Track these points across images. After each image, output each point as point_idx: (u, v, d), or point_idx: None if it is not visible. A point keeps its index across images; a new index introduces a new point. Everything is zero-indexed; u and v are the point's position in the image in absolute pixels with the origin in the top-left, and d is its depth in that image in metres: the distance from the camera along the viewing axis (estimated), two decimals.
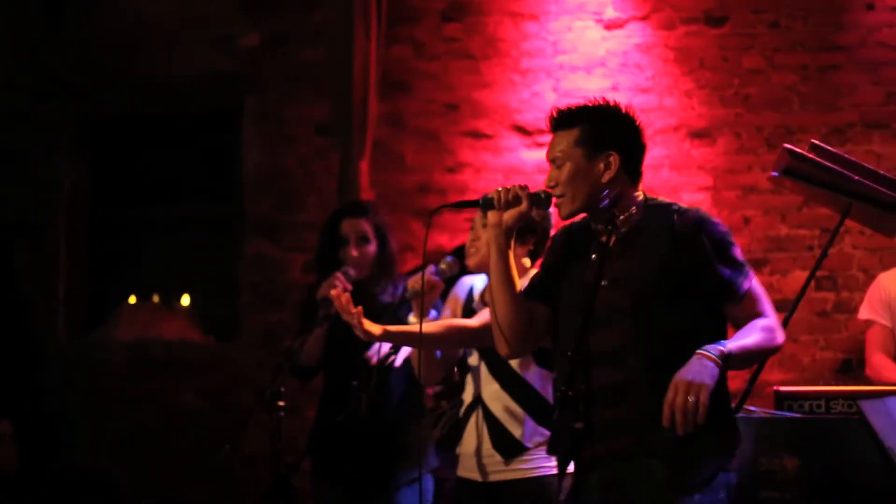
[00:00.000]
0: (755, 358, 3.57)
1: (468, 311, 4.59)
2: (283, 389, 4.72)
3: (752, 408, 4.57)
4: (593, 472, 3.48)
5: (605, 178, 3.55)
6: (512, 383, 4.41)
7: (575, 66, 7.17)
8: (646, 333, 3.45)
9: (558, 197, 3.57)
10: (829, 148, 4.82)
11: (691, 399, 3.26)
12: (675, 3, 7.14)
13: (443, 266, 4.49)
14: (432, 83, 7.29)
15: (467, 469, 4.48)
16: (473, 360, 4.52)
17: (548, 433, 4.31)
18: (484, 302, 4.53)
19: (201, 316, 7.69)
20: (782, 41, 7.08)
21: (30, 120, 7.49)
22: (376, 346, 4.70)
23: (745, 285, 3.52)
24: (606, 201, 3.56)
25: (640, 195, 3.63)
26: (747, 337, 3.45)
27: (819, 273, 6.48)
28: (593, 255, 3.55)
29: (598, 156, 3.54)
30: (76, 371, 7.33)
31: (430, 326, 4.30)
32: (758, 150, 7.02)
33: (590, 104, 3.61)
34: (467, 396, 4.54)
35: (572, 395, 3.24)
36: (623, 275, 3.51)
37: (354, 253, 5.10)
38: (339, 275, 4.97)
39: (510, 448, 4.37)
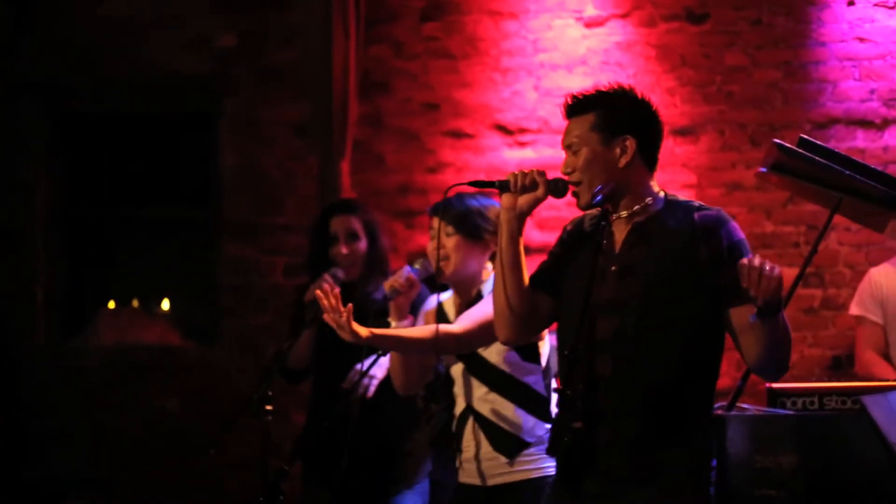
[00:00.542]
0: (783, 336, 3.39)
1: (439, 315, 4.50)
2: (270, 394, 4.65)
3: (745, 405, 4.53)
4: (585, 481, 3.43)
5: (622, 162, 3.49)
6: (501, 384, 4.35)
7: (556, 65, 7.12)
8: (649, 323, 3.40)
9: (575, 185, 3.51)
10: (818, 142, 4.79)
11: (776, 272, 3.17)
12: (656, 0, 7.09)
13: (417, 266, 4.43)
14: (412, 83, 7.23)
15: (468, 475, 4.42)
16: (456, 369, 4.45)
17: (547, 426, 4.29)
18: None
19: (181, 320, 7.62)
20: (764, 38, 7.05)
21: (2, 122, 7.40)
22: (352, 372, 4.64)
23: None
24: (599, 197, 3.50)
25: (657, 188, 3.57)
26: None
27: (807, 270, 6.48)
28: (604, 242, 3.49)
29: (614, 141, 3.49)
30: (55, 377, 7.25)
31: (415, 331, 4.24)
32: (741, 147, 6.99)
33: (605, 89, 3.55)
34: (458, 407, 4.46)
35: (570, 393, 3.17)
36: (635, 262, 3.46)
37: (344, 251, 5.03)
38: (326, 276, 4.91)
39: (512, 446, 4.31)
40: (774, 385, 4.55)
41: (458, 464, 4.47)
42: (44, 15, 7.40)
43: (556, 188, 3.51)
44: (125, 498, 6.95)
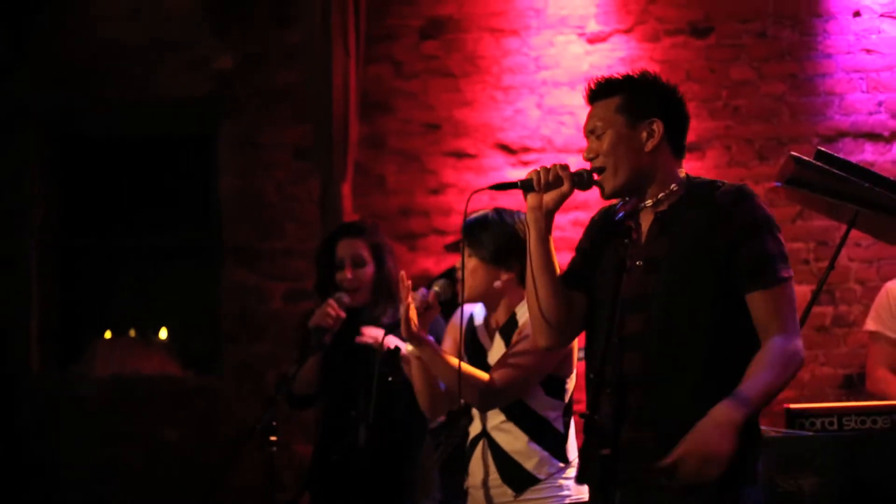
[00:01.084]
0: (775, 394, 3.30)
1: (470, 338, 4.39)
2: (274, 423, 4.54)
3: (763, 427, 4.40)
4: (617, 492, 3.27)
5: (649, 146, 3.33)
6: (519, 414, 4.22)
7: (558, 82, 7.04)
8: (673, 318, 3.26)
9: (599, 172, 3.36)
10: (836, 155, 4.68)
11: (703, 477, 3.12)
12: (660, 14, 7.01)
13: (436, 289, 4.29)
14: (412, 102, 7.14)
15: (475, 501, 4.29)
16: None
17: (560, 464, 4.17)
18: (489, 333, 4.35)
19: (180, 349, 7.51)
20: (770, 50, 6.98)
21: None
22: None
23: (783, 273, 3.26)
24: (621, 213, 3.38)
25: (682, 173, 3.42)
26: (764, 374, 3.21)
27: (815, 287, 6.37)
28: (626, 241, 3.36)
29: (640, 123, 3.34)
30: (52, 408, 7.15)
31: (471, 368, 4.11)
32: (749, 162, 6.91)
33: (631, 73, 3.42)
34: (473, 429, 4.34)
35: (598, 419, 3.03)
36: (658, 256, 3.32)
37: (349, 276, 4.91)
38: (331, 302, 4.78)
39: (522, 481, 4.18)
40: (793, 406, 4.45)
41: (465, 487, 4.36)
42: (41, 39, 7.32)
43: (582, 181, 3.36)
44: None
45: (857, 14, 6.93)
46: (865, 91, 6.92)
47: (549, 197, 3.36)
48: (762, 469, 3.41)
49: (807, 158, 4.59)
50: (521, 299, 4.23)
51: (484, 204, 4.90)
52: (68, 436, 7.07)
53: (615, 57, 6.99)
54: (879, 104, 6.91)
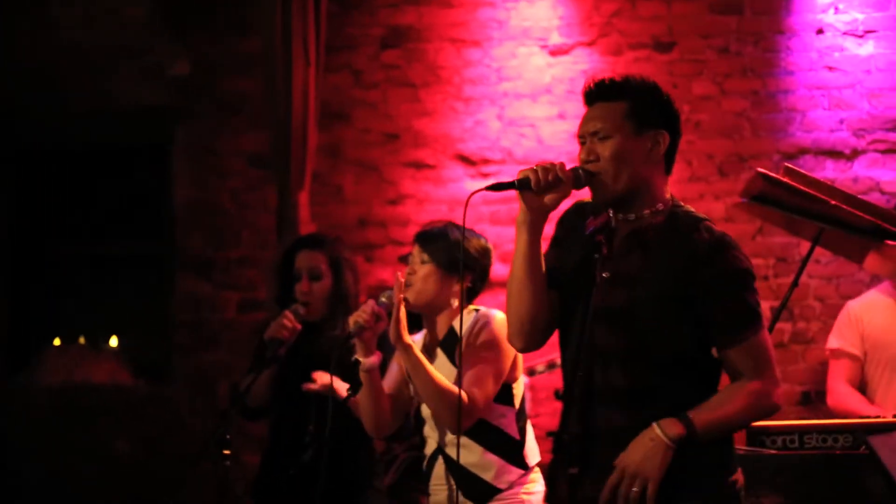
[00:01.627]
0: (731, 429, 3.28)
1: None
2: (228, 437, 4.46)
3: None
4: None
5: (653, 158, 3.26)
6: (472, 428, 4.12)
7: (520, 94, 6.99)
8: (639, 340, 3.21)
9: (591, 175, 3.25)
10: (803, 171, 4.68)
11: (636, 490, 3.13)
12: (623, 28, 6.98)
13: (383, 299, 4.21)
14: (371, 112, 7.07)
15: None
16: (427, 409, 4.23)
17: (519, 471, 4.12)
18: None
19: (131, 358, 7.42)
20: (732, 66, 6.96)
21: None
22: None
23: (746, 335, 3.21)
24: (591, 228, 3.29)
25: (668, 194, 3.35)
26: (725, 406, 3.20)
27: (774, 304, 6.35)
28: (595, 256, 3.28)
29: (647, 132, 3.26)
30: None
31: (443, 379, 4.03)
32: (709, 177, 6.88)
33: (634, 78, 3.32)
34: (428, 448, 4.26)
35: (567, 438, 2.96)
36: (629, 272, 3.25)
37: (304, 289, 4.82)
38: (287, 314, 4.69)
39: (482, 494, 4.12)
40: (754, 423, 4.40)
41: None
42: None
43: (580, 181, 3.26)
44: None
45: (819, 32, 6.91)
46: (827, 108, 6.91)
47: (550, 198, 3.23)
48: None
49: (774, 175, 4.57)
50: (456, 314, 4.19)
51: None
52: (16, 446, 6.95)
53: (577, 69, 6.94)
54: (841, 122, 6.90)
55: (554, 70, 6.98)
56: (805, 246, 5.36)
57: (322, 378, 4.56)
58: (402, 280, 4.05)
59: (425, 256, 4.21)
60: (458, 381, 3.85)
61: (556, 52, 6.98)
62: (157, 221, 7.34)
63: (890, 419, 4.58)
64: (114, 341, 7.51)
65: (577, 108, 6.76)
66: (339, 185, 7.05)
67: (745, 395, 3.21)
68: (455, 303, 4.22)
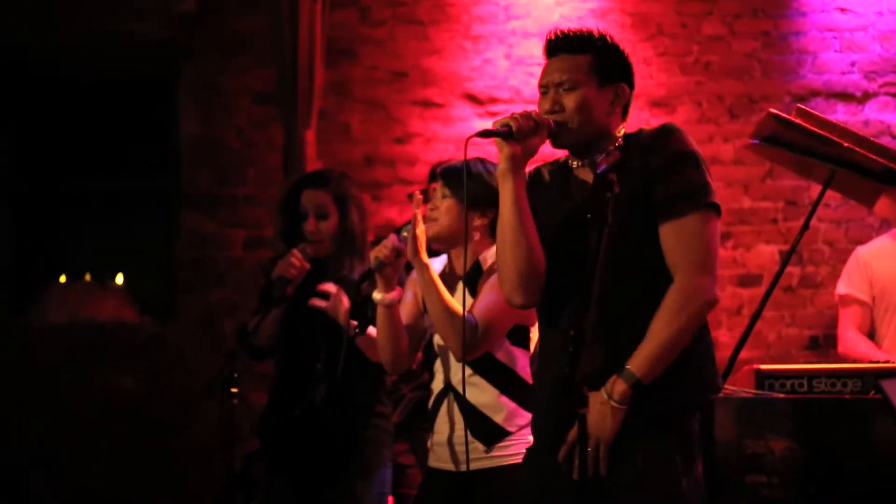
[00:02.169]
0: (677, 348, 3.27)
1: None
2: (236, 375, 4.45)
3: (732, 388, 4.36)
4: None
5: (612, 109, 3.36)
6: (487, 367, 4.12)
7: (528, 33, 6.93)
8: (622, 278, 3.25)
9: (556, 124, 3.31)
10: (816, 113, 4.61)
11: (590, 451, 3.22)
12: None
13: (404, 233, 4.18)
14: (379, 50, 7.02)
15: (440, 459, 4.19)
16: (440, 343, 4.21)
17: (529, 415, 4.08)
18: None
19: (137, 295, 7.40)
20: (742, 7, 6.93)
21: None
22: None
23: (681, 210, 3.25)
24: (604, 166, 3.25)
25: (622, 132, 3.41)
26: (661, 333, 3.23)
27: (783, 248, 6.34)
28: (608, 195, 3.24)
29: (609, 85, 3.36)
30: (4, 355, 6.99)
31: (452, 300, 4.02)
32: (719, 119, 6.85)
33: (594, 32, 3.38)
34: (437, 384, 4.24)
35: (578, 378, 2.93)
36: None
37: (311, 227, 4.78)
38: (295, 252, 4.67)
39: (491, 435, 4.09)
40: (762, 367, 4.39)
41: (428, 445, 4.26)
42: None
43: (551, 130, 3.33)
44: (80, 480, 6.70)
45: None
46: (839, 51, 6.87)
47: (528, 144, 3.29)
48: (727, 434, 3.38)
49: (786, 116, 4.51)
50: (486, 247, 4.18)
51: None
52: (20, 384, 6.94)
53: (586, 8, 6.89)
54: (852, 64, 6.86)
55: (562, 8, 6.92)
56: (815, 189, 5.31)
57: (329, 288, 4.54)
58: (419, 196, 4.04)
59: (447, 191, 4.19)
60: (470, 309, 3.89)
61: None
62: (162, 158, 7.30)
63: None
64: (119, 278, 7.49)
65: None
66: (346, 123, 7.00)
67: (670, 303, 3.24)
68: (477, 236, 4.21)
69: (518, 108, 6.62)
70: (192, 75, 7.08)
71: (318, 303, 4.55)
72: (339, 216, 4.80)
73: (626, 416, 3.23)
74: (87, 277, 7.48)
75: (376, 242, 4.30)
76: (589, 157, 3.38)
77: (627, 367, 3.21)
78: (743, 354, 6.21)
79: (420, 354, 4.48)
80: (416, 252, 3.99)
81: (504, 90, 6.91)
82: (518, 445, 4.06)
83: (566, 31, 3.37)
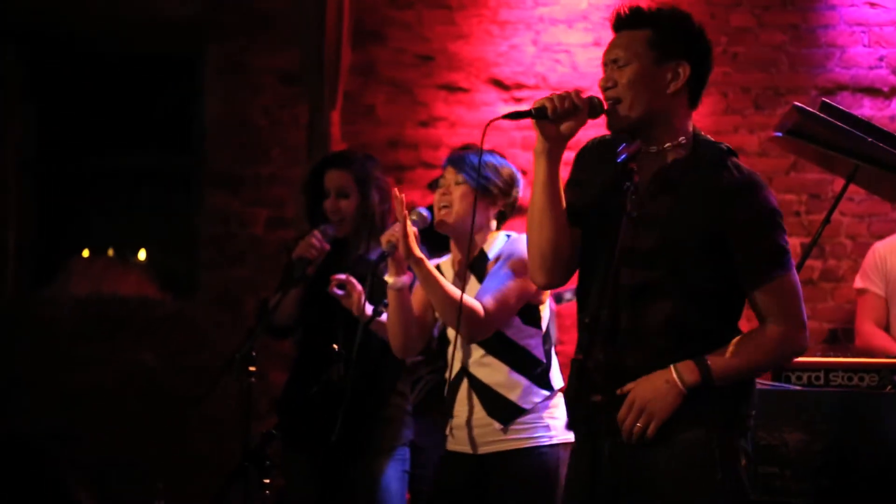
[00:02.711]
0: (749, 375, 3.27)
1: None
2: (254, 354, 4.49)
3: None
4: (606, 440, 3.22)
5: (672, 88, 3.22)
6: (498, 346, 4.18)
7: (556, 19, 6.92)
8: (670, 280, 3.19)
9: (610, 102, 3.22)
10: (840, 107, 4.61)
11: (640, 424, 3.15)
12: None
13: (414, 217, 4.23)
14: (406, 33, 7.01)
15: (459, 442, 4.24)
16: (452, 330, 4.24)
17: (544, 392, 4.14)
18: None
19: (158, 271, 7.44)
20: None
21: None
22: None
23: (774, 275, 3.19)
24: (624, 155, 3.26)
25: (692, 127, 3.31)
26: (746, 352, 3.20)
27: (805, 241, 6.32)
28: (627, 184, 3.20)
29: (668, 63, 3.21)
30: (25, 328, 7.06)
31: (450, 287, 4.06)
32: (745, 110, 6.83)
33: (664, 7, 3.30)
34: (452, 370, 4.28)
35: (591, 365, 2.94)
36: (659, 213, 3.21)
37: (330, 206, 4.83)
38: (316, 233, 4.72)
39: (507, 412, 4.14)
40: None
41: (448, 430, 4.30)
42: None
43: (595, 109, 3.22)
44: (98, 454, 6.73)
45: None
46: (867, 45, 6.84)
47: (566, 126, 3.18)
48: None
49: (811, 109, 4.51)
50: (487, 237, 4.28)
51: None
52: (42, 357, 6.99)
53: None
54: (881, 59, 6.83)
55: None
56: (839, 183, 5.31)
57: (341, 278, 4.56)
58: (401, 196, 4.05)
59: (460, 178, 4.23)
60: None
61: None
62: (187, 135, 7.31)
63: None
64: (142, 254, 7.53)
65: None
66: (372, 104, 7.00)
67: (768, 340, 3.21)
68: (492, 224, 4.26)
69: (544, 94, 6.67)
70: (218, 53, 7.09)
71: (337, 291, 4.58)
72: (360, 196, 4.84)
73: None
74: (110, 252, 7.52)
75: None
76: (652, 143, 3.27)
77: (708, 362, 3.15)
78: None
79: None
80: (409, 249, 4.00)
81: (530, 76, 6.90)
82: (534, 428, 4.12)
83: (630, 6, 3.29)
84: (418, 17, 7.01)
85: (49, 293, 7.26)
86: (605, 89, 3.24)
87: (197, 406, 5.30)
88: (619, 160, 3.25)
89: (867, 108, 6.76)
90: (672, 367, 3.14)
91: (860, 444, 4.13)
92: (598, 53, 6.71)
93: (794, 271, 3.25)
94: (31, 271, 7.39)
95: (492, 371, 4.17)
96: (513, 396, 4.14)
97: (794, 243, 6.56)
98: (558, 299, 6.04)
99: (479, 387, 4.18)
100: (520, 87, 6.90)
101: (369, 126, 6.97)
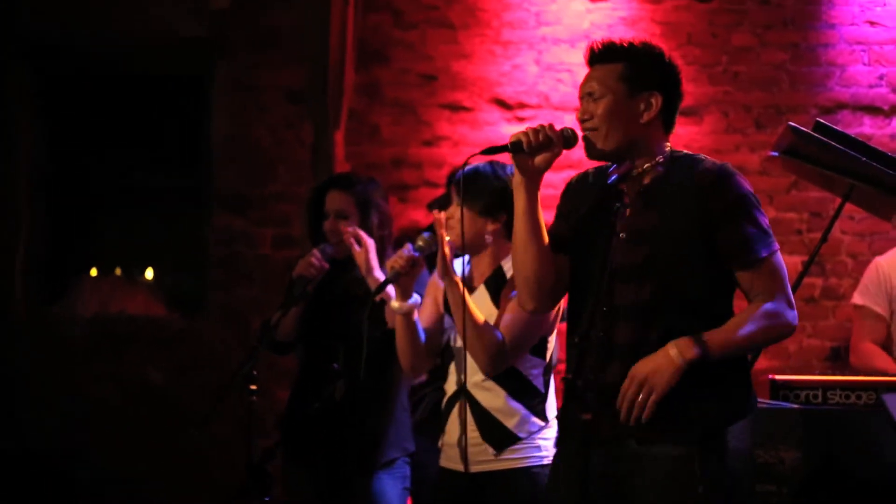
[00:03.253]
0: (746, 349, 3.39)
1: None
2: (255, 373, 4.54)
3: None
4: (594, 455, 3.31)
5: (645, 118, 3.38)
6: (502, 373, 4.18)
7: (558, 39, 6.98)
8: (664, 293, 3.30)
9: (589, 132, 3.38)
10: (834, 127, 4.65)
11: (641, 397, 3.23)
12: None
13: (420, 243, 4.25)
14: (410, 53, 7.07)
15: (450, 459, 4.27)
16: (458, 345, 4.28)
17: (540, 423, 4.16)
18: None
19: (166, 290, 7.48)
20: (772, 18, 6.94)
21: None
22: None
23: (763, 252, 3.32)
24: (615, 176, 3.35)
25: (668, 147, 3.45)
26: (740, 327, 3.30)
27: (806, 259, 6.35)
28: (616, 205, 3.35)
29: (640, 94, 3.38)
30: (34, 345, 7.08)
31: (481, 315, 4.11)
32: (746, 129, 6.87)
33: (634, 42, 3.43)
34: (450, 385, 4.32)
35: (581, 384, 3.00)
36: (644, 228, 3.35)
37: (329, 227, 4.89)
38: (315, 252, 4.77)
39: (502, 440, 4.16)
40: (777, 377, 4.43)
41: (439, 444, 4.34)
42: None
43: (569, 141, 3.38)
44: (106, 471, 6.78)
45: None
46: (867, 63, 6.88)
47: (541, 159, 3.35)
48: (740, 443, 3.41)
49: (805, 129, 4.55)
50: (507, 252, 4.21)
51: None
52: (51, 374, 7.01)
53: (616, 16, 6.93)
54: (881, 77, 6.87)
55: (593, 16, 6.97)
56: (839, 202, 5.35)
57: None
58: (442, 218, 4.10)
59: (459, 200, 4.24)
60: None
61: None
62: (194, 155, 7.35)
63: None
64: (149, 273, 7.56)
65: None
66: (376, 124, 7.06)
67: (760, 314, 3.31)
68: (490, 240, 4.27)
69: (546, 114, 6.72)
70: (226, 72, 7.12)
71: (353, 244, 4.64)
72: (360, 218, 4.88)
73: (655, 423, 3.26)
74: (118, 271, 7.55)
75: (400, 242, 4.38)
76: (636, 167, 3.41)
77: (704, 338, 3.25)
78: (764, 364, 6.29)
79: None
80: (446, 270, 4.06)
81: (533, 96, 6.96)
82: (527, 451, 4.14)
83: (603, 42, 3.44)
84: (422, 38, 7.06)
85: (58, 311, 7.28)
86: (582, 121, 3.38)
87: (202, 425, 5.33)
88: (609, 181, 3.33)
89: (867, 127, 6.80)
90: (671, 343, 3.24)
91: (857, 462, 4.13)
92: None
93: (778, 252, 3.36)
94: (40, 289, 7.40)
95: (491, 396, 4.18)
96: (509, 424, 4.16)
97: (795, 261, 6.65)
98: (564, 317, 6.07)
99: (476, 409, 4.20)
100: (522, 106, 6.96)
101: (374, 146, 7.03)
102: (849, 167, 4.59)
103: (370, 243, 4.62)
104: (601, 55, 3.41)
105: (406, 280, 4.20)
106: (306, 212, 5.09)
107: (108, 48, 7.36)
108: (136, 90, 7.47)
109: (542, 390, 4.21)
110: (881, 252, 5.85)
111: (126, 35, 7.22)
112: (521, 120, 6.90)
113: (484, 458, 4.17)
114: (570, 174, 3.63)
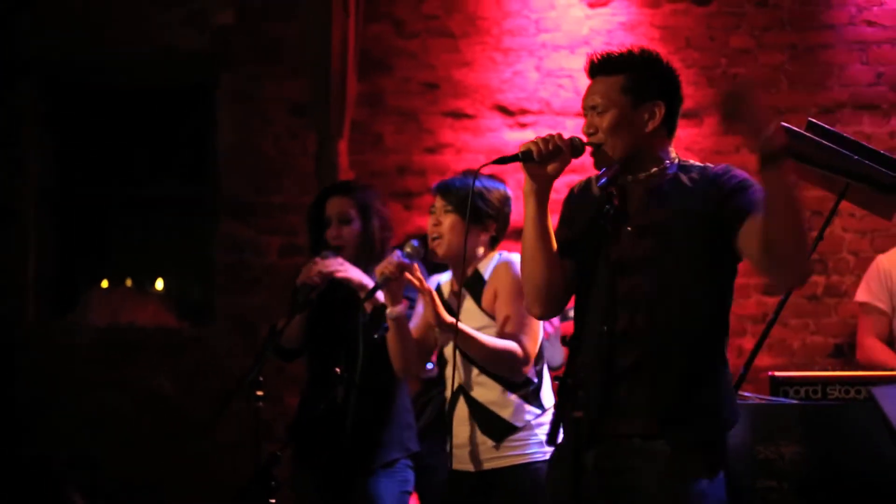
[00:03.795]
0: (798, 209, 3.26)
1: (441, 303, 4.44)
2: (261, 379, 4.58)
3: (746, 394, 4.45)
4: (590, 452, 3.34)
5: (650, 127, 3.41)
6: None
7: (558, 45, 7.02)
8: (666, 280, 3.34)
9: (595, 146, 3.42)
10: (826, 126, 4.68)
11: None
12: None
13: (408, 250, 4.35)
14: (411, 62, 7.13)
15: (460, 461, 4.36)
16: (449, 350, 4.37)
17: (536, 411, 4.27)
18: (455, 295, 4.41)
19: (175, 300, 7.54)
20: (770, 20, 6.96)
21: None
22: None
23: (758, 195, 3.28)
24: (604, 179, 3.40)
25: (674, 153, 3.49)
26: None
27: None
28: (606, 207, 3.38)
29: (643, 105, 3.42)
30: (46, 356, 7.15)
31: (497, 342, 4.22)
32: None
33: (634, 51, 3.46)
34: (448, 390, 4.41)
35: (571, 382, 3.06)
36: (651, 222, 3.39)
37: (332, 232, 4.94)
38: (318, 259, 4.81)
39: (500, 430, 4.28)
40: (777, 374, 4.47)
41: (448, 448, 4.40)
42: None
43: (577, 149, 3.40)
44: (116, 478, 6.84)
45: None
46: (866, 63, 6.90)
47: (552, 167, 3.38)
48: (740, 438, 3.45)
49: (797, 129, 4.59)
50: (480, 259, 4.40)
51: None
52: (62, 384, 7.08)
53: (615, 21, 6.98)
54: (879, 76, 6.90)
55: (592, 22, 7.01)
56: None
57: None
58: (428, 288, 4.22)
59: (449, 207, 4.35)
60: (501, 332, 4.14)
61: (594, 3, 7.01)
62: (201, 166, 7.42)
63: None
64: (159, 284, 7.62)
65: None
66: (379, 133, 7.11)
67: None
68: (480, 251, 4.37)
69: (548, 119, 6.76)
70: (230, 84, 7.20)
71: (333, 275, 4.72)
72: (362, 223, 4.94)
73: (653, 419, 3.30)
74: (128, 283, 7.62)
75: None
76: (635, 172, 3.45)
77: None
78: (767, 362, 6.34)
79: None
80: (441, 320, 4.17)
81: (534, 102, 7.01)
82: (527, 444, 4.23)
83: (603, 54, 3.46)
84: (423, 46, 7.12)
85: (69, 322, 7.34)
86: (588, 135, 3.43)
87: (207, 431, 5.39)
88: (599, 184, 3.39)
89: (867, 126, 6.83)
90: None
91: (857, 457, 4.14)
92: None
93: None
94: (50, 300, 7.46)
95: (486, 390, 4.30)
96: (505, 414, 4.27)
97: None
98: (563, 317, 6.13)
99: (473, 405, 4.32)
100: (524, 112, 7.00)
101: (377, 154, 7.08)
102: (842, 166, 4.62)
103: (337, 263, 4.69)
104: (601, 67, 3.45)
105: (395, 285, 4.30)
106: (307, 221, 5.14)
107: (115, 63, 7.44)
108: (142, 103, 7.54)
109: (535, 379, 4.33)
110: (883, 249, 5.88)
111: (132, 49, 7.31)
112: (522, 126, 6.95)
113: (488, 456, 4.28)
114: (571, 178, 3.70)
